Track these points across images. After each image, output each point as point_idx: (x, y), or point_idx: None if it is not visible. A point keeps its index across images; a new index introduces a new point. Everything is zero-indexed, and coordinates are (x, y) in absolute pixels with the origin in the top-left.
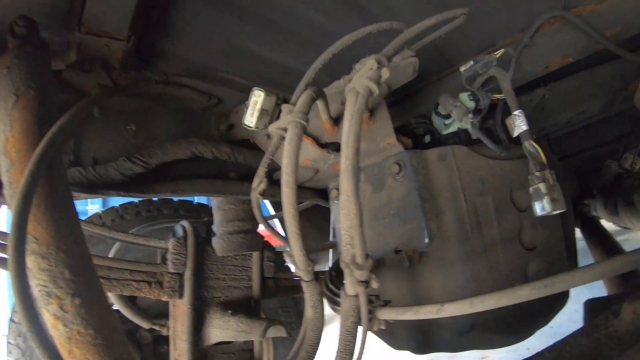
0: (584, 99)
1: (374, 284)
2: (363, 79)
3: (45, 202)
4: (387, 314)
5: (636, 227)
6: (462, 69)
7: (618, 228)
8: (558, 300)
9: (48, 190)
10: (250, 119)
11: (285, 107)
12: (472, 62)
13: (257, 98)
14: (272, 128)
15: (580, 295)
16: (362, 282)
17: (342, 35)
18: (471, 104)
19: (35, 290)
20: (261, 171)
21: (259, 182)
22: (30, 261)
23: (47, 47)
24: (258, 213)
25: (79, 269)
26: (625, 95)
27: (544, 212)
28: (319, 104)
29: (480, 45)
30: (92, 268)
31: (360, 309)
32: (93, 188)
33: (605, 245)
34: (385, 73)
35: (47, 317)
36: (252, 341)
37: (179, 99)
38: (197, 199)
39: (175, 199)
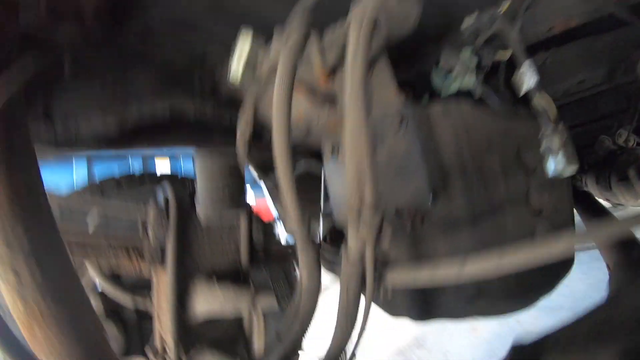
0: (585, 68)
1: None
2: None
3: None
4: (397, 277)
5: (629, 202)
6: (464, 25)
7: (609, 205)
8: (563, 267)
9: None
10: (236, 68)
11: (276, 40)
12: (475, 18)
13: (244, 46)
14: (263, 69)
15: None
16: (372, 232)
17: None
18: (474, 61)
19: None
20: (248, 112)
21: (245, 125)
22: None
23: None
24: (243, 154)
25: (38, 229)
26: (627, 66)
27: (558, 168)
28: (313, 45)
29: (482, 1)
30: (55, 229)
31: (365, 270)
32: (63, 144)
33: (602, 218)
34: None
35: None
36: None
37: (159, 56)
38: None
39: (160, 173)
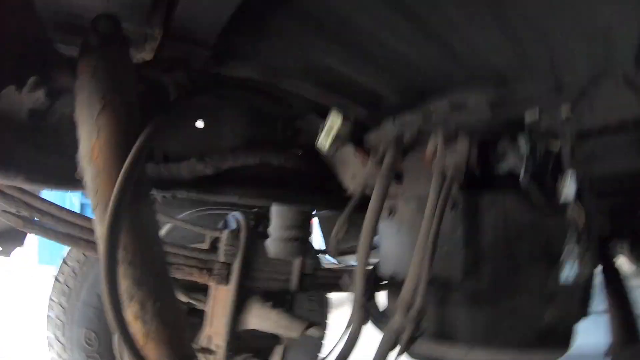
0: (636, 156)
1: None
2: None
3: (132, 212)
4: (422, 348)
5: None
6: (527, 119)
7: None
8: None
9: (135, 201)
10: (324, 142)
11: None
12: (538, 111)
13: (334, 123)
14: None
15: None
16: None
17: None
18: (526, 149)
19: (121, 289)
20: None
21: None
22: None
23: (128, 43)
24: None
25: (158, 275)
26: None
27: (570, 275)
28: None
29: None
30: (168, 273)
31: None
32: (164, 185)
33: (618, 299)
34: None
35: (129, 315)
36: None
37: (250, 101)
38: None
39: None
